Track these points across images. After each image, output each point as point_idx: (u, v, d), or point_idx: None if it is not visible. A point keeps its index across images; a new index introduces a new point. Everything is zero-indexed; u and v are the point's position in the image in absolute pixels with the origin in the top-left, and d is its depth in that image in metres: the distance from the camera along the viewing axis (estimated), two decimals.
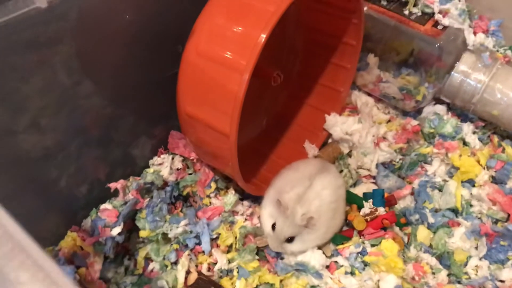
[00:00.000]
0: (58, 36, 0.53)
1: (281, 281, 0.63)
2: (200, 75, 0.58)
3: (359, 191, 0.76)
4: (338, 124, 0.79)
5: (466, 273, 0.66)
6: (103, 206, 0.66)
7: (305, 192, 0.62)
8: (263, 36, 0.54)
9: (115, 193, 0.68)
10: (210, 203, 0.71)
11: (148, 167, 0.73)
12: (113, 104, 0.65)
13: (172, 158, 0.73)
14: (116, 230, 0.64)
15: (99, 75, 0.61)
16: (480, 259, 0.67)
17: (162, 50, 0.67)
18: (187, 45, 0.59)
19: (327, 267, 0.65)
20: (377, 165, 0.77)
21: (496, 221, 0.70)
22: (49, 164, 0.61)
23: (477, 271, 0.66)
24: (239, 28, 0.56)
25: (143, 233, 0.66)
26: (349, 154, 0.80)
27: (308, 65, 0.82)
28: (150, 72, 0.67)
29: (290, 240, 0.63)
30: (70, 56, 0.56)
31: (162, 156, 0.73)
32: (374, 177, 0.78)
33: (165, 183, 0.70)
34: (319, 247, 0.66)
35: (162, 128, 0.75)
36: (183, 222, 0.66)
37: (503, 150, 0.76)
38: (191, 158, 0.73)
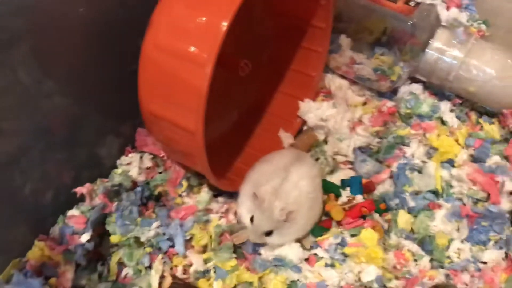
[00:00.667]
0: (13, 34, 0.51)
1: (260, 278, 0.61)
2: (160, 71, 0.54)
3: (336, 178, 0.74)
4: (312, 110, 0.77)
5: (448, 257, 0.65)
6: (70, 213, 0.64)
7: (282, 183, 0.60)
8: (225, 25, 0.51)
9: (83, 198, 0.65)
10: (182, 202, 0.68)
11: (116, 167, 0.70)
12: (76, 103, 0.63)
13: (141, 157, 0.70)
14: (85, 237, 0.61)
15: (59, 73, 0.59)
16: (462, 241, 0.66)
17: (122, 44, 0.63)
18: (145, 39, 0.56)
19: (307, 260, 0.63)
20: (354, 150, 0.75)
21: (476, 201, 0.68)
22: (12, 170, 0.58)
23: (459, 254, 0.65)
24: (199, 17, 0.53)
25: (114, 238, 0.63)
26: (325, 141, 0.77)
27: (278, 51, 0.79)
28: (112, 68, 0.64)
29: (268, 233, 0.61)
30: (27, 55, 0.53)
31: (130, 155, 0.70)
32: (351, 163, 0.76)
33: (135, 184, 0.67)
34: (298, 240, 0.64)
35: (129, 125, 0.72)
36: (155, 224, 0.64)
37: (481, 128, 0.74)
38: (161, 155, 0.70)
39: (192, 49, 0.52)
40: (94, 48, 0.61)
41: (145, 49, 0.55)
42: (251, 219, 0.61)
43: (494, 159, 0.70)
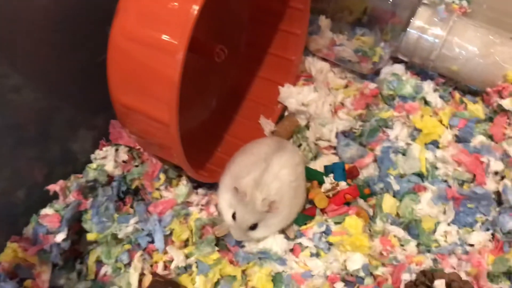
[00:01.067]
0: None
1: (243, 271, 0.59)
2: (129, 61, 0.52)
3: (320, 164, 0.72)
4: (293, 95, 0.75)
5: (435, 240, 0.64)
6: (43, 212, 0.61)
7: (263, 175, 0.58)
8: (196, 9, 0.48)
9: (56, 195, 0.62)
10: (160, 196, 0.66)
11: (91, 162, 0.67)
12: (44, 97, 0.60)
13: (116, 150, 0.67)
14: (60, 237, 0.59)
15: (25, 67, 0.56)
16: (449, 224, 0.65)
17: (89, 33, 0.60)
18: (112, 27, 0.53)
19: (292, 250, 0.62)
20: (336, 135, 0.73)
21: (462, 183, 0.67)
22: None
23: (446, 238, 0.64)
24: (168, 3, 0.50)
25: (90, 236, 0.61)
26: (307, 126, 0.75)
27: (256, 35, 0.77)
28: (81, 59, 0.62)
29: (253, 227, 0.59)
30: None
31: (104, 148, 0.68)
32: (335, 148, 0.74)
33: (111, 178, 0.65)
34: (282, 230, 0.62)
35: (102, 118, 0.69)
36: (132, 220, 0.61)
37: (465, 107, 0.73)
38: (137, 147, 0.67)
39: (162, 36, 0.49)
40: (60, 39, 0.59)
41: (113, 38, 0.53)
42: (233, 216, 0.59)
43: (478, 139, 0.69)
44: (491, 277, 0.59)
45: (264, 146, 0.63)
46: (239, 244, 0.63)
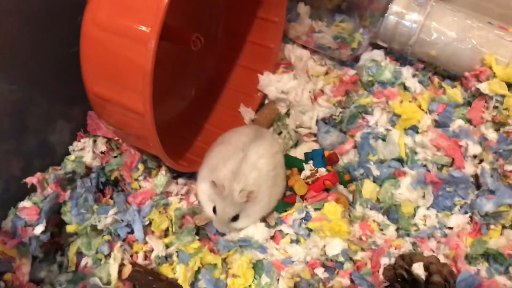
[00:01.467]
0: None
1: (224, 259, 0.60)
2: (102, 50, 0.51)
3: (300, 151, 0.72)
4: (273, 83, 0.75)
5: (414, 224, 0.64)
6: (21, 204, 0.61)
7: (240, 165, 0.58)
8: None
9: (34, 188, 0.62)
10: (139, 186, 0.66)
11: (69, 154, 0.67)
12: (20, 88, 0.60)
13: (94, 141, 0.67)
14: (39, 229, 0.59)
15: None
16: (428, 208, 0.65)
17: (62, 23, 0.60)
18: (84, 17, 0.53)
19: (272, 237, 0.62)
20: (317, 122, 0.74)
21: (441, 167, 0.68)
22: None
23: (425, 221, 0.65)
24: None
25: (70, 228, 0.61)
26: (287, 114, 0.76)
27: (234, 23, 0.76)
28: (55, 49, 0.61)
29: (235, 218, 0.59)
30: None
31: (82, 140, 0.67)
32: (315, 135, 0.74)
33: (89, 170, 0.65)
34: (263, 218, 0.62)
35: (79, 109, 0.68)
36: (112, 211, 0.61)
37: (444, 92, 0.73)
38: (116, 138, 0.67)
39: (134, 25, 0.49)
40: (34, 28, 0.58)
41: (85, 27, 0.52)
42: (214, 209, 0.59)
43: (457, 123, 0.69)
44: (469, 259, 0.60)
45: (242, 136, 0.63)
46: (220, 233, 0.63)
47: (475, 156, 0.67)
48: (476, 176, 0.66)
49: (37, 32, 0.58)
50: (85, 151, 0.66)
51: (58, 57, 0.61)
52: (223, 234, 0.62)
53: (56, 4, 0.58)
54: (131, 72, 0.50)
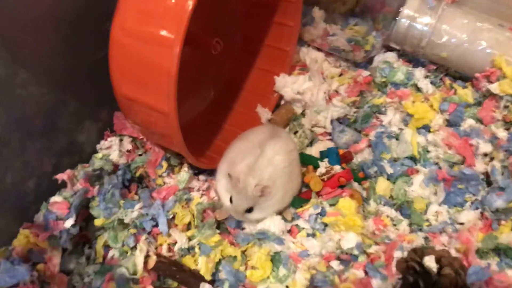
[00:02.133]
0: None
1: (243, 252, 0.63)
2: (129, 55, 0.55)
3: (316, 150, 0.75)
4: (289, 85, 0.77)
5: (426, 220, 0.66)
6: (52, 199, 0.64)
7: (256, 160, 0.61)
8: (190, 4, 0.51)
9: (64, 184, 0.65)
10: (163, 182, 0.69)
11: (96, 152, 0.70)
12: (51, 91, 0.63)
13: (121, 140, 0.70)
14: (69, 222, 0.62)
15: (31, 63, 0.59)
16: (440, 204, 0.67)
17: (91, 29, 0.63)
18: (112, 24, 0.56)
19: (289, 231, 0.65)
20: (331, 121, 0.76)
21: (452, 165, 0.70)
22: None
23: (437, 217, 0.67)
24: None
25: (98, 221, 0.64)
26: (303, 114, 0.78)
27: (251, 27, 0.79)
28: (83, 53, 0.65)
29: (249, 210, 0.62)
30: None
31: (109, 139, 0.71)
32: (330, 134, 0.77)
33: (116, 167, 0.68)
34: (280, 212, 0.65)
35: (107, 110, 0.72)
36: (137, 206, 0.65)
37: (455, 92, 0.75)
38: (141, 137, 0.70)
39: (159, 31, 0.52)
40: (64, 35, 0.61)
41: (114, 33, 0.56)
42: (230, 200, 0.62)
43: (468, 123, 0.71)
44: (480, 253, 0.62)
45: (259, 134, 0.66)
46: (240, 226, 0.66)
47: (485, 155, 0.69)
48: (486, 174, 0.68)
49: (68, 38, 0.61)
50: (112, 150, 0.69)
51: (87, 61, 0.65)
52: (243, 228, 0.65)
53: (85, 12, 0.62)
54: (157, 75, 0.53)
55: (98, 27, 0.61)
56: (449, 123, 0.73)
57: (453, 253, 0.61)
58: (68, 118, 0.67)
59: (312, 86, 0.77)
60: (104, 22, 0.61)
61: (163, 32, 0.52)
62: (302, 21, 0.78)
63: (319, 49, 0.84)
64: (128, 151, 0.70)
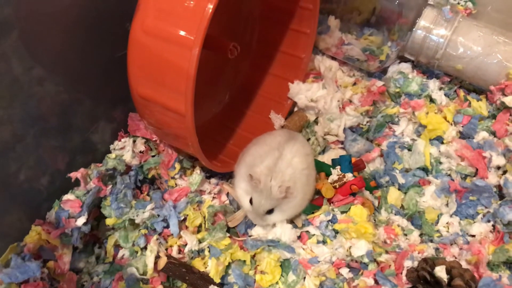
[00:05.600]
0: (2, 23, 0.51)
1: (253, 256, 0.62)
2: (148, 54, 0.55)
3: (327, 157, 0.75)
4: (302, 92, 0.78)
5: (437, 231, 0.66)
6: (65, 197, 0.64)
7: (276, 163, 0.61)
8: (210, 7, 0.51)
9: (77, 182, 0.66)
10: (176, 184, 0.69)
11: (110, 152, 0.71)
12: (67, 89, 0.63)
13: (134, 141, 0.71)
14: (81, 221, 0.62)
15: (49, 60, 0.59)
16: (451, 215, 0.67)
17: (110, 29, 0.64)
18: (133, 23, 0.56)
19: (299, 237, 0.65)
20: (344, 130, 0.76)
21: (465, 177, 0.70)
22: (7, 158, 0.58)
23: (448, 228, 0.66)
24: (185, 1, 0.53)
25: (109, 221, 0.64)
26: (316, 121, 0.78)
27: (267, 33, 0.80)
28: (101, 53, 0.65)
29: (269, 211, 0.62)
30: (17, 43, 0.53)
31: (123, 140, 0.71)
32: (342, 142, 0.77)
33: (129, 168, 0.68)
34: (291, 220, 0.65)
35: (121, 110, 0.72)
36: (149, 206, 0.65)
37: (469, 104, 0.75)
38: (154, 139, 0.71)
39: (179, 32, 0.53)
40: (83, 34, 0.61)
41: (133, 33, 0.56)
42: (250, 201, 0.62)
43: (481, 135, 0.71)
44: (491, 266, 0.61)
45: (277, 137, 0.66)
46: (248, 233, 0.66)
47: (498, 167, 0.68)
48: (499, 187, 0.67)
49: (86, 37, 0.62)
50: (125, 150, 0.69)
51: (103, 61, 0.65)
52: (250, 236, 0.65)
53: (106, 11, 0.62)
54: (175, 75, 0.53)
55: (117, 27, 0.62)
56: (463, 135, 0.73)
57: (464, 264, 0.61)
58: (83, 117, 0.67)
59: (325, 94, 0.77)
60: (123, 23, 0.62)
61: (183, 33, 0.52)
62: (317, 30, 0.78)
63: (333, 58, 0.84)
64: (141, 152, 0.70)
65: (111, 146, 0.71)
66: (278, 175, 0.60)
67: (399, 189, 0.71)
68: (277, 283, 0.61)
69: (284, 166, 0.61)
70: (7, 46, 0.52)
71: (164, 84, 0.55)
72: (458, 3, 0.84)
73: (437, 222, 0.67)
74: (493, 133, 0.72)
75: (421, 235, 0.66)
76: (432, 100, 0.77)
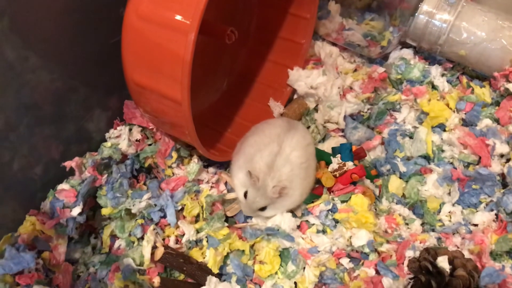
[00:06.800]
0: None
1: (252, 246, 0.61)
2: (143, 40, 0.54)
3: (328, 146, 0.74)
4: (302, 79, 0.76)
5: (439, 220, 0.65)
6: (60, 187, 0.63)
7: (275, 159, 0.60)
8: None
9: (72, 171, 0.65)
10: (173, 173, 0.68)
11: (105, 141, 0.69)
12: (61, 77, 0.62)
13: (130, 129, 0.69)
14: (76, 211, 0.61)
15: (42, 48, 0.58)
16: (453, 204, 0.66)
17: (104, 15, 0.62)
18: (126, 8, 0.55)
19: (298, 227, 0.63)
20: (345, 117, 0.75)
21: (468, 165, 0.69)
22: (0, 147, 0.57)
23: (450, 217, 0.66)
24: None
25: (105, 211, 0.63)
26: (316, 109, 0.77)
27: (266, 18, 0.78)
28: (95, 40, 0.64)
29: (262, 208, 0.61)
30: (10, 30, 0.52)
31: (118, 128, 0.69)
32: (342, 130, 0.76)
33: (125, 156, 0.67)
34: (290, 210, 0.64)
35: (116, 98, 0.71)
36: (146, 196, 0.64)
37: (472, 91, 0.74)
38: (150, 127, 0.69)
39: (175, 16, 0.51)
40: (76, 21, 0.60)
41: (127, 18, 0.55)
42: (245, 195, 0.61)
43: (485, 122, 0.70)
44: (494, 255, 0.61)
45: (276, 127, 0.65)
46: (247, 222, 0.65)
47: (502, 155, 0.67)
48: (502, 175, 0.66)
49: (79, 23, 0.60)
50: (121, 139, 0.68)
51: (97, 48, 0.64)
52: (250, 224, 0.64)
53: None
54: (171, 61, 0.52)
55: (110, 13, 0.61)
56: (465, 123, 0.72)
57: (467, 254, 0.60)
58: (78, 105, 0.66)
59: (326, 81, 0.76)
60: (117, 8, 0.60)
61: (179, 18, 0.51)
62: (317, 15, 0.77)
63: (334, 44, 0.82)
64: (137, 140, 0.69)
65: (107, 135, 0.70)
66: (276, 174, 0.59)
67: (400, 178, 0.69)
68: (276, 273, 0.60)
69: (282, 163, 0.60)
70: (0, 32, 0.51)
71: (160, 71, 0.54)
72: None
73: (439, 211, 0.66)
74: (497, 121, 0.70)
75: (422, 224, 0.65)
76: (434, 87, 0.76)
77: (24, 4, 0.53)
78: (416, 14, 0.74)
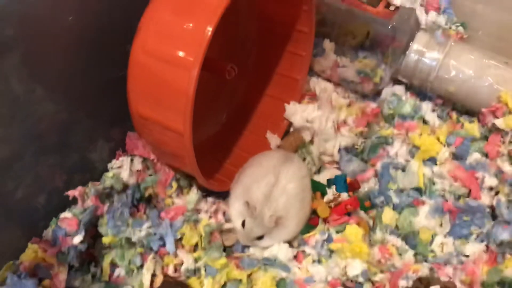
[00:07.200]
0: (4, 42, 0.52)
1: (249, 275, 0.63)
2: (148, 75, 0.56)
3: (323, 177, 0.75)
4: (298, 112, 0.79)
5: (432, 251, 0.67)
6: (62, 215, 0.65)
7: (271, 190, 0.62)
8: (209, 30, 0.53)
9: (75, 200, 0.66)
10: (172, 203, 0.70)
11: (107, 170, 0.71)
12: (66, 109, 0.64)
13: (132, 160, 0.71)
14: (77, 239, 0.62)
15: (49, 80, 0.60)
16: (445, 236, 0.68)
17: (111, 50, 0.65)
18: (133, 44, 0.58)
19: (295, 257, 0.65)
20: (339, 150, 0.77)
21: (458, 197, 0.71)
22: (5, 176, 0.59)
23: (442, 248, 0.67)
24: (185, 23, 0.55)
25: (106, 239, 0.64)
26: (311, 142, 0.79)
27: (264, 55, 0.81)
28: (101, 73, 0.66)
29: (260, 237, 0.63)
30: (18, 63, 0.54)
31: (120, 158, 0.71)
32: (337, 162, 0.78)
33: (126, 186, 0.69)
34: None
35: (119, 130, 0.73)
36: (146, 225, 0.65)
37: (462, 126, 0.77)
38: (151, 158, 0.71)
39: (179, 53, 0.54)
40: (84, 55, 0.62)
41: (134, 54, 0.57)
42: (243, 224, 0.63)
43: (474, 156, 0.72)
44: (486, 286, 0.62)
45: (272, 159, 0.67)
46: (245, 251, 0.66)
47: (491, 188, 0.69)
48: (492, 207, 0.68)
49: (87, 57, 0.63)
50: (122, 169, 0.70)
51: (103, 81, 0.66)
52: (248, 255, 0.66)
53: (107, 33, 0.63)
54: (174, 95, 0.54)
55: (117, 49, 0.63)
56: (455, 156, 0.74)
57: (458, 285, 0.62)
58: (82, 136, 0.68)
59: (321, 115, 0.78)
60: (124, 44, 0.63)
61: (183, 55, 0.53)
62: (313, 52, 0.80)
63: (328, 80, 0.85)
64: (138, 171, 0.71)
65: (109, 165, 0.72)
66: (273, 204, 0.62)
67: (393, 209, 0.71)
68: None
69: (279, 193, 0.63)
70: (7, 66, 0.53)
71: (163, 103, 0.56)
72: (450, 28, 0.86)
73: (431, 242, 0.67)
74: (485, 155, 0.72)
75: (415, 255, 0.66)
76: (425, 122, 0.78)
77: (37, 39, 0.55)
78: (407, 52, 0.77)
